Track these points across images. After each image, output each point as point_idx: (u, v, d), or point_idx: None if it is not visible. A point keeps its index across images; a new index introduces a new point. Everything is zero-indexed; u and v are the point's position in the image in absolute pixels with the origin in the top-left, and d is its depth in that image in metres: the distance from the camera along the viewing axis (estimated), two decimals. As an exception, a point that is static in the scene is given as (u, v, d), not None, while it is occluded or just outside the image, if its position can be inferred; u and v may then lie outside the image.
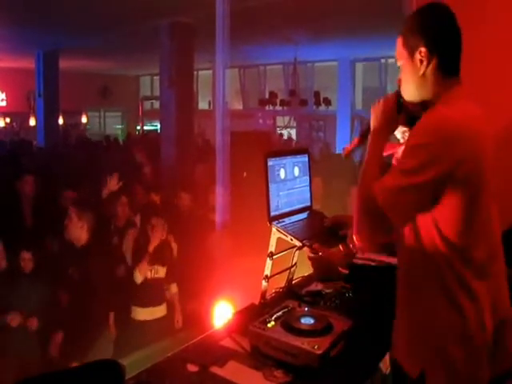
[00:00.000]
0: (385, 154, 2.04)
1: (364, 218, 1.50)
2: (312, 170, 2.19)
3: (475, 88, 1.71)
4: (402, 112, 1.62)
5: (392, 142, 1.71)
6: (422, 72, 1.48)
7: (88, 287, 3.66)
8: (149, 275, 4.02)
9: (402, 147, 1.54)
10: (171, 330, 4.09)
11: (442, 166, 1.36)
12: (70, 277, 3.75)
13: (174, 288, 4.26)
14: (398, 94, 1.61)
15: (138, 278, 3.95)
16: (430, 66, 1.48)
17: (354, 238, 1.54)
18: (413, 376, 1.46)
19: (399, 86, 1.60)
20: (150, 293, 4.02)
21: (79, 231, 3.72)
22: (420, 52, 1.47)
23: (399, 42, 1.54)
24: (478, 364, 1.41)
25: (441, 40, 1.47)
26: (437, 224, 1.41)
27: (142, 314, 4.02)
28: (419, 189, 1.38)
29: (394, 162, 2.04)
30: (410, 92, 1.55)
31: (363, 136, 1.70)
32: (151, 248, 3.95)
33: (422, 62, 1.47)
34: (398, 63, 1.57)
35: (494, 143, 1.52)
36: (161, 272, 4.11)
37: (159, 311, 4.11)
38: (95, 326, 3.71)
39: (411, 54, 1.49)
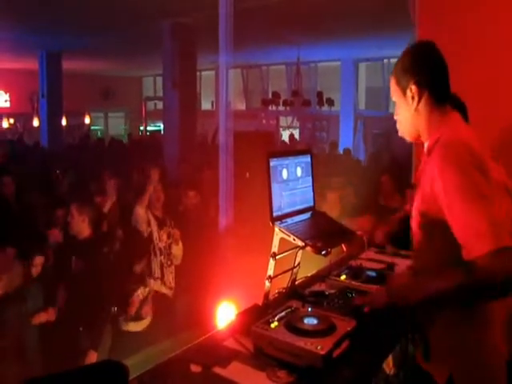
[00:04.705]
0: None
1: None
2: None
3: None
4: None
5: None
6: (414, 107, 1.61)
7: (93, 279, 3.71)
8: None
9: None
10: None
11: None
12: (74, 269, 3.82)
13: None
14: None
15: None
16: (422, 101, 1.60)
17: None
18: (440, 382, 1.53)
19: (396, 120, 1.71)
20: None
21: (81, 225, 3.86)
22: (411, 89, 1.60)
23: (392, 81, 1.67)
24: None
25: (429, 76, 1.60)
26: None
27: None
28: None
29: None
30: (407, 126, 1.68)
31: None
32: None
33: (413, 98, 1.60)
34: (393, 99, 1.69)
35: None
36: None
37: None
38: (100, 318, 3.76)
39: (403, 92, 1.63)
